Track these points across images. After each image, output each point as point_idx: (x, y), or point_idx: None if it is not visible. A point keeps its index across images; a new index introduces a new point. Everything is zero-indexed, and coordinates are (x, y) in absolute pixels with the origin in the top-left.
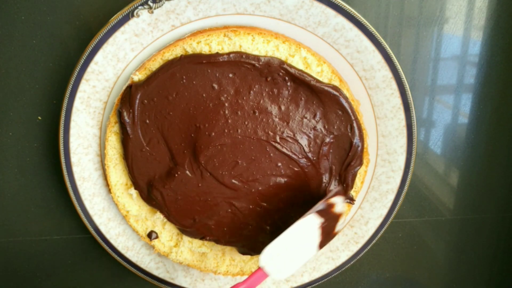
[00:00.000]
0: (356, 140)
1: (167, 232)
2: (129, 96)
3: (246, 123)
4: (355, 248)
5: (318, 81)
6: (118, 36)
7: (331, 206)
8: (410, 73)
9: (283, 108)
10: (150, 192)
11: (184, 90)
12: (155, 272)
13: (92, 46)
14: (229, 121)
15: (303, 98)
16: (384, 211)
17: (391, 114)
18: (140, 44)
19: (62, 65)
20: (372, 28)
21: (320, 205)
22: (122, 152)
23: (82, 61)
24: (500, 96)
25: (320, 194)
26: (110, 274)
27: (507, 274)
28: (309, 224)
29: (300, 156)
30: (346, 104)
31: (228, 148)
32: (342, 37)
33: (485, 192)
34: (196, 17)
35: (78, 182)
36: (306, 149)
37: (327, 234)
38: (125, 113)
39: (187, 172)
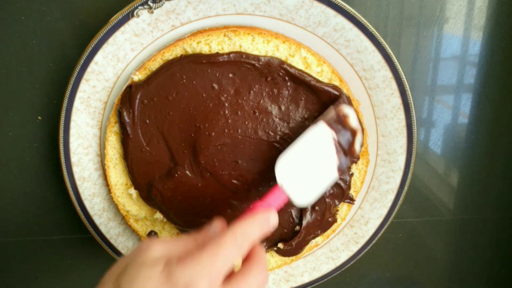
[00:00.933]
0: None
1: (167, 232)
2: (129, 96)
3: (246, 123)
4: (355, 248)
5: (318, 81)
6: (118, 36)
7: (345, 117)
8: (410, 73)
9: (283, 108)
10: (150, 192)
11: (184, 90)
12: None
13: (92, 46)
14: (229, 121)
15: (303, 98)
16: (384, 211)
17: (391, 114)
18: (140, 44)
19: (62, 65)
20: (372, 28)
21: (330, 114)
22: (122, 152)
23: (82, 61)
24: (500, 96)
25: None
26: None
27: (507, 274)
28: (322, 137)
29: None
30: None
31: (228, 148)
32: (342, 37)
33: (485, 192)
34: (196, 17)
35: (78, 182)
36: None
37: (346, 151)
38: (125, 113)
39: (187, 172)
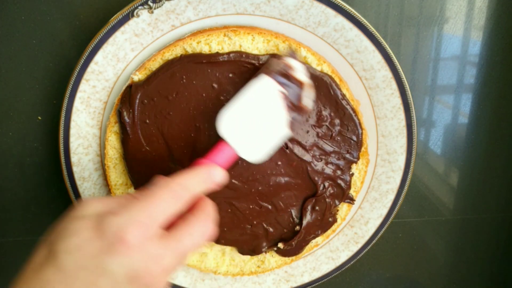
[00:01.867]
0: (355, 138)
1: None
2: (129, 96)
3: None
4: (355, 248)
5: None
6: (118, 36)
7: (289, 68)
8: (410, 73)
9: None
10: None
11: (184, 90)
12: None
13: (92, 46)
14: None
15: None
16: (384, 211)
17: (391, 114)
18: (140, 44)
19: (62, 65)
20: (372, 28)
21: (272, 66)
22: (122, 152)
23: (82, 61)
24: (500, 96)
25: (319, 193)
26: None
27: (507, 274)
28: (266, 89)
29: (299, 155)
30: (347, 104)
31: None
32: (342, 37)
33: (485, 192)
34: (196, 17)
35: (78, 182)
36: (306, 148)
37: (293, 105)
38: (125, 113)
39: None
